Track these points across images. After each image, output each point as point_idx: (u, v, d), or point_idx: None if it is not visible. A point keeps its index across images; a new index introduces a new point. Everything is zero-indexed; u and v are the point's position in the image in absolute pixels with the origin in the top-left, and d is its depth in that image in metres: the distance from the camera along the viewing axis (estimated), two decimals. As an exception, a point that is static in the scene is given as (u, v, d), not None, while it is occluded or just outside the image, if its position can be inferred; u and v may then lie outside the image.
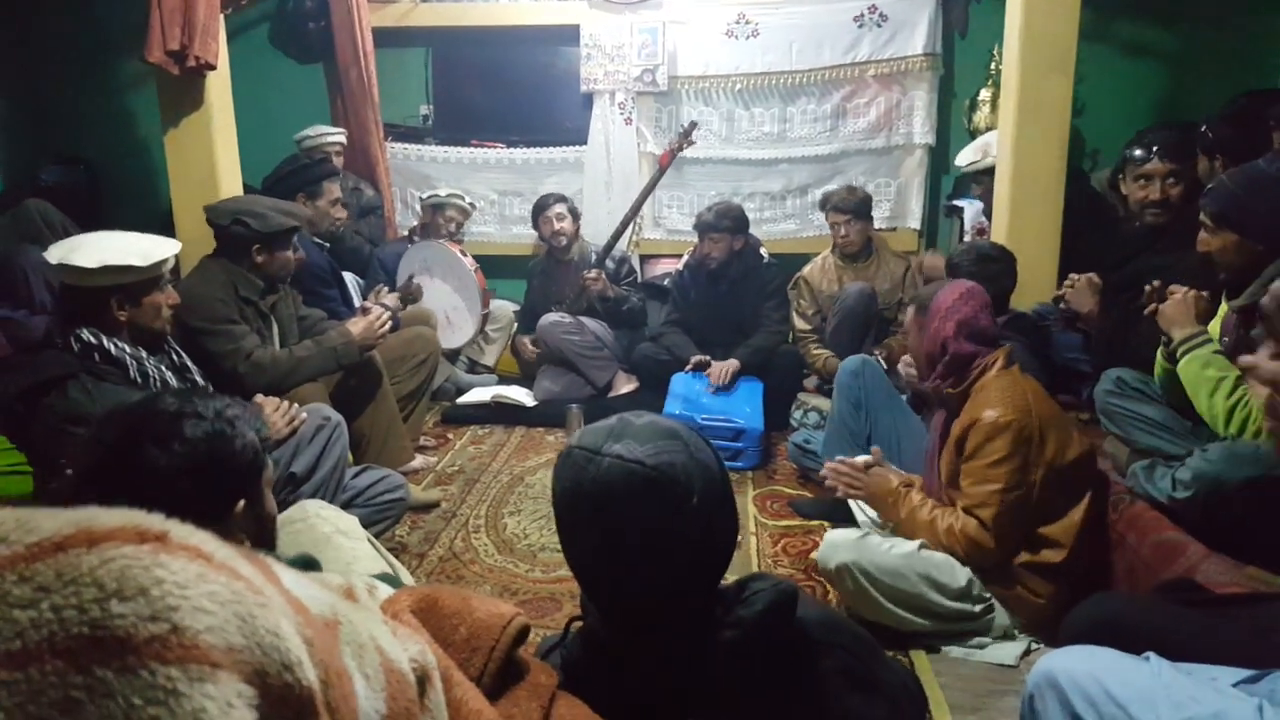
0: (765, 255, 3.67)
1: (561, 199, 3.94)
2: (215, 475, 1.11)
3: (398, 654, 0.68)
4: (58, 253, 1.91)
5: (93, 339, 1.89)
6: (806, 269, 3.73)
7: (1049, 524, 1.97)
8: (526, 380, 3.93)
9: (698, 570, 0.98)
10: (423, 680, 0.71)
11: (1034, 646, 1.98)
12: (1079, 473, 1.99)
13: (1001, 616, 2.00)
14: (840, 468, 2.20)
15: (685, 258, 3.81)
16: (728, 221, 3.49)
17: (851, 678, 1.00)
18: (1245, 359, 0.97)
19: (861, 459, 2.23)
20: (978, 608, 1.98)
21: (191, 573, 0.46)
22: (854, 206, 3.54)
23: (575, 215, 3.96)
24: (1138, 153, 2.63)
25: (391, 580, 1.23)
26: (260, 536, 1.19)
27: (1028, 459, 1.91)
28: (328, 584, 0.81)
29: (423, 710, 0.69)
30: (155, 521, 0.48)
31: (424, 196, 4.18)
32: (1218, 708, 1.01)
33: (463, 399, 3.82)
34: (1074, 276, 2.59)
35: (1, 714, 0.39)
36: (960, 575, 1.97)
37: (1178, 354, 2.02)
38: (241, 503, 1.14)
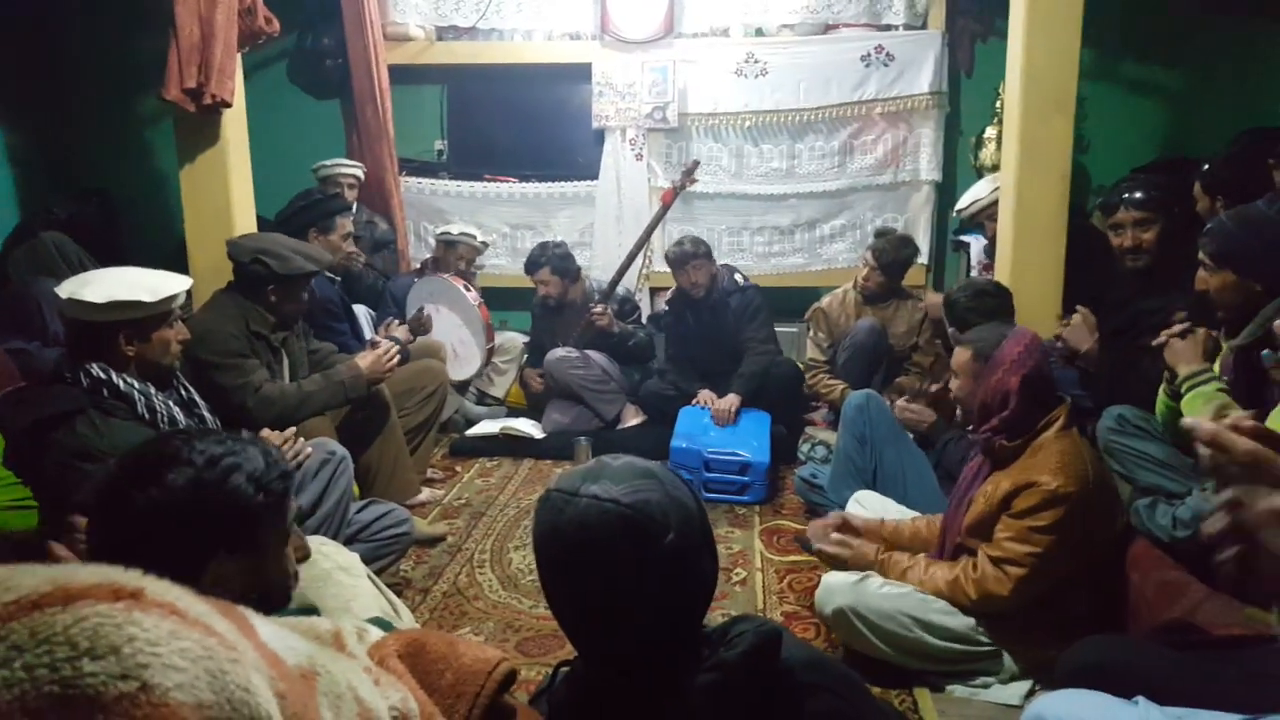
0: (740, 279, 3.71)
1: (548, 261, 3.80)
2: (191, 524, 1.08)
3: (377, 703, 0.68)
4: (68, 288, 1.94)
5: (102, 374, 1.91)
6: (825, 300, 3.75)
7: (1072, 586, 1.93)
8: (535, 412, 3.95)
9: (677, 611, 0.99)
10: (403, 729, 0.72)
11: (1038, 687, 1.95)
12: (1114, 540, 1.98)
13: (1009, 660, 1.98)
14: (826, 549, 2.17)
15: (667, 297, 3.86)
16: (703, 247, 3.59)
17: (839, 719, 0.99)
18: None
19: (834, 516, 2.28)
20: (977, 649, 1.96)
21: (164, 630, 0.47)
22: (886, 264, 3.54)
23: (564, 273, 3.85)
24: (1111, 201, 2.67)
25: (385, 624, 1.22)
26: (261, 595, 1.12)
27: (1076, 533, 1.85)
28: (317, 631, 0.82)
29: (402, 759, 0.69)
30: (131, 578, 0.49)
31: (438, 232, 4.24)
32: (1206, 756, 1.00)
33: (471, 431, 3.84)
34: (1066, 319, 2.60)
35: None
36: (958, 620, 1.95)
37: (1182, 390, 2.01)
38: (222, 554, 1.09)
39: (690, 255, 3.55)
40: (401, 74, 4.51)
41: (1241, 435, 0.84)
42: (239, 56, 3.08)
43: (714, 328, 3.65)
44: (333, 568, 1.70)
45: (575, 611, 1.01)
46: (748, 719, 0.96)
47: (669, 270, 4.56)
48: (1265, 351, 1.56)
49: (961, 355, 2.05)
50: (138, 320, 1.95)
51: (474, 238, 4.12)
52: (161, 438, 1.22)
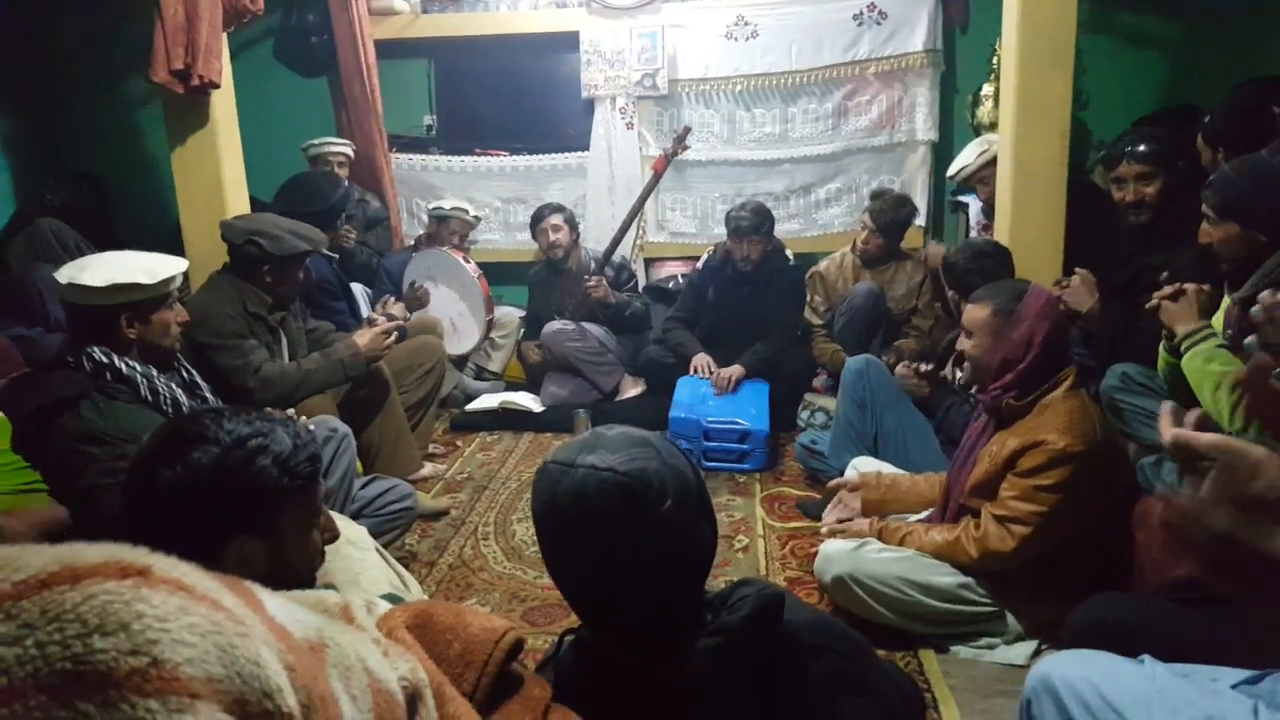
0: (790, 256, 3.66)
1: (558, 209, 3.90)
2: (213, 504, 1.08)
3: (386, 674, 0.69)
4: (67, 273, 1.94)
5: (104, 358, 1.92)
6: (823, 264, 3.73)
7: (1076, 546, 1.93)
8: (533, 386, 3.96)
9: (677, 576, 0.99)
10: (414, 699, 0.73)
11: (1044, 647, 1.97)
12: (1121, 501, 1.98)
13: (1013, 620, 1.99)
14: (835, 528, 2.20)
15: (705, 257, 3.80)
16: (767, 224, 3.48)
17: (842, 681, 1.00)
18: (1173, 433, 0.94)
19: (848, 479, 2.31)
20: (976, 609, 1.98)
21: (172, 606, 0.47)
22: (884, 224, 3.53)
23: (573, 225, 3.93)
24: (1114, 154, 2.64)
25: (394, 597, 1.23)
26: (286, 576, 1.12)
27: (1081, 493, 1.85)
28: (325, 604, 0.83)
29: (414, 728, 0.70)
30: (138, 556, 0.50)
31: (430, 207, 4.22)
32: (1211, 711, 1.01)
33: (470, 406, 3.85)
34: (1065, 280, 2.59)
35: None
36: (956, 579, 1.97)
37: (1181, 349, 2.01)
38: (245, 539, 1.09)
39: (751, 229, 3.41)
40: (388, 49, 4.45)
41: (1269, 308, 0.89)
42: (225, 36, 3.04)
43: (747, 300, 3.55)
44: (342, 541, 1.71)
45: (576, 581, 1.02)
46: (751, 682, 0.97)
47: (665, 240, 4.60)
48: (1247, 341, 1.56)
49: (979, 313, 1.98)
50: (137, 302, 1.95)
51: (466, 212, 4.11)
52: (191, 415, 1.21)
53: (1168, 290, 2.07)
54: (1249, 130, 2.48)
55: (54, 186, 4.03)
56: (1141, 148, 2.55)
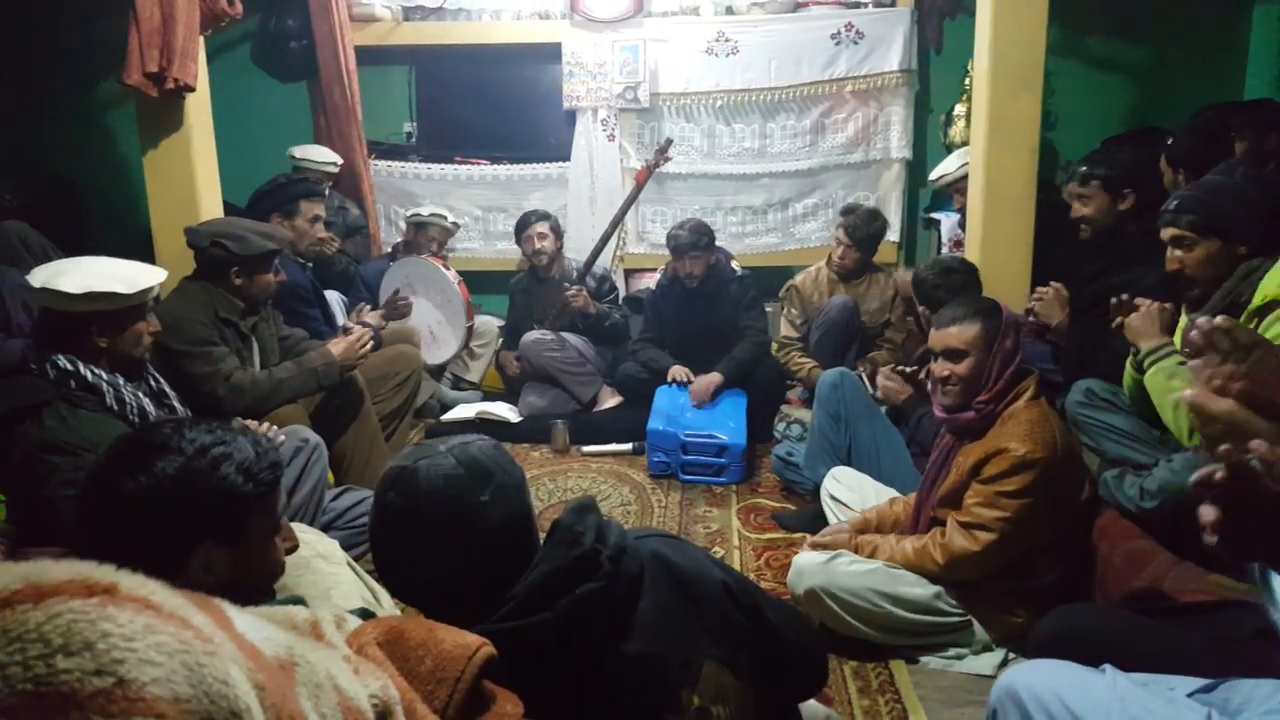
0: (737, 268, 3.71)
1: (544, 216, 3.90)
2: (179, 513, 1.08)
3: (357, 691, 0.69)
4: (41, 276, 1.90)
5: (69, 365, 1.88)
6: (799, 277, 3.76)
7: (1040, 554, 1.97)
8: (511, 396, 3.94)
9: (525, 537, 1.15)
10: (385, 716, 0.72)
11: (1011, 657, 2.00)
12: (1081, 509, 2.02)
13: (980, 630, 2.02)
14: (817, 541, 2.23)
15: (659, 276, 3.84)
16: (705, 239, 3.51)
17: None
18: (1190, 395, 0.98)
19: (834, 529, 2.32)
20: (945, 619, 2.00)
21: (139, 624, 0.47)
22: (860, 239, 3.56)
23: (558, 233, 3.93)
24: (1073, 173, 2.75)
25: (366, 612, 1.22)
26: (249, 585, 1.13)
27: (1041, 498, 1.88)
28: (294, 621, 0.82)
29: (383, 745, 0.70)
30: (104, 573, 0.49)
31: (408, 214, 4.20)
32: (1168, 717, 1.04)
33: (447, 416, 3.82)
34: (1041, 290, 2.64)
35: None
36: (925, 589, 1.99)
37: (1144, 364, 2.05)
38: (210, 545, 1.10)
39: (690, 246, 3.47)
40: (368, 55, 4.44)
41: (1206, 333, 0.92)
42: (201, 39, 3.01)
43: (703, 314, 3.61)
44: (312, 555, 1.69)
45: (442, 575, 1.11)
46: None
47: (645, 251, 4.62)
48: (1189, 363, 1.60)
49: (968, 331, 1.98)
50: (112, 312, 1.92)
51: (445, 218, 4.09)
52: (152, 425, 1.22)
53: (1118, 302, 2.12)
54: (1210, 153, 2.55)
55: (13, 187, 3.95)
56: (1082, 169, 2.68)
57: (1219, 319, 1.02)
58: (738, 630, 1.18)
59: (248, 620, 0.60)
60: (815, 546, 2.17)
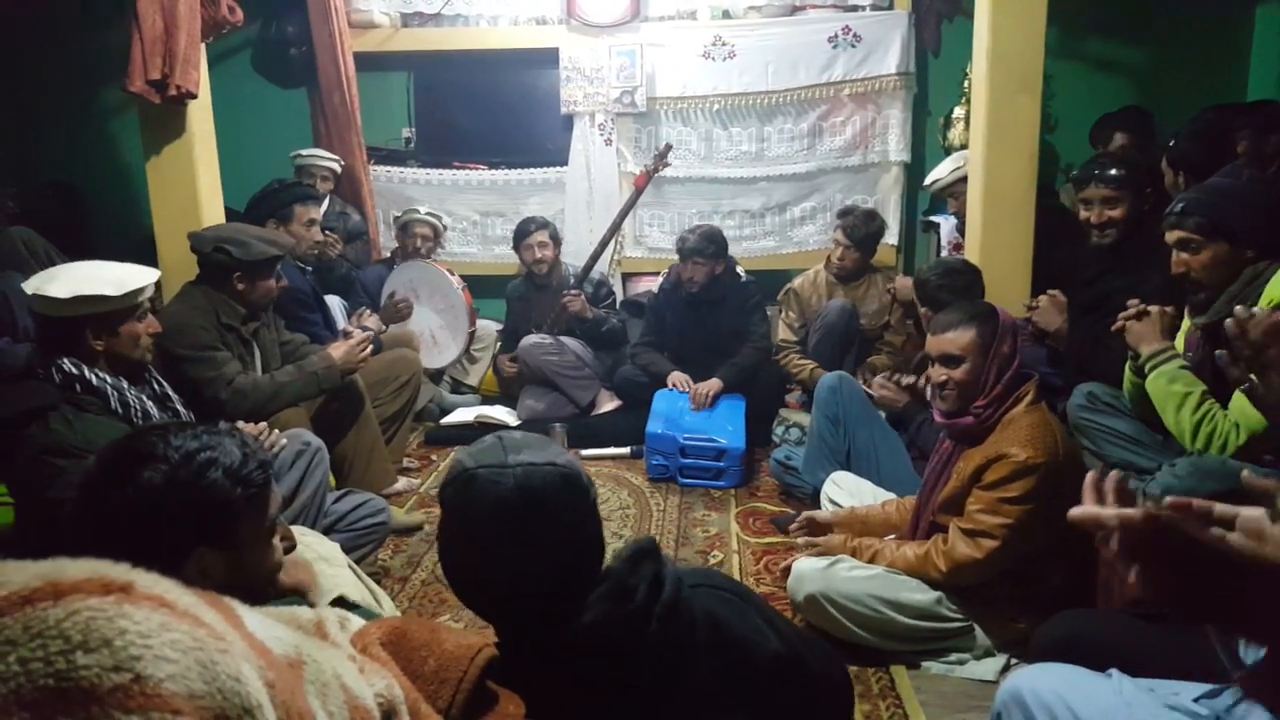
0: (743, 274, 3.71)
1: (543, 225, 3.90)
2: (168, 521, 1.07)
3: (363, 690, 0.70)
4: (34, 283, 1.92)
5: (73, 369, 1.89)
6: (798, 281, 3.77)
7: (1042, 559, 1.95)
8: (510, 400, 3.95)
9: (599, 553, 1.09)
10: (389, 715, 0.73)
11: (1013, 662, 2.00)
12: None
13: (982, 635, 2.02)
14: (811, 543, 2.24)
15: (661, 279, 3.85)
16: (712, 247, 3.50)
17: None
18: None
19: (803, 517, 2.39)
20: (947, 625, 2.00)
21: (155, 622, 0.48)
22: (859, 239, 3.57)
23: (556, 241, 3.94)
24: (1083, 175, 2.66)
25: (366, 613, 1.23)
26: (247, 588, 1.10)
27: (1043, 504, 1.86)
28: (299, 620, 0.83)
29: (389, 744, 0.70)
30: (120, 572, 0.50)
31: (393, 215, 4.23)
32: (1172, 722, 1.04)
33: (446, 420, 3.83)
34: (1037, 299, 2.64)
35: None
36: (926, 595, 1.99)
37: (1145, 369, 2.06)
38: (203, 551, 1.09)
39: (695, 252, 3.47)
40: (367, 61, 4.45)
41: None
42: (203, 47, 3.03)
43: (704, 319, 3.61)
44: (314, 558, 1.70)
45: (512, 582, 1.05)
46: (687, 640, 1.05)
47: (643, 255, 4.63)
48: (1218, 352, 1.61)
49: (964, 336, 1.97)
50: (104, 314, 1.93)
51: (419, 210, 4.10)
52: (137, 433, 1.21)
53: (1133, 310, 2.11)
54: (1212, 155, 2.55)
55: (17, 194, 3.96)
56: (1111, 171, 2.58)
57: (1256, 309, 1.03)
58: (779, 708, 1.12)
59: (257, 619, 0.61)
60: (809, 547, 2.18)
